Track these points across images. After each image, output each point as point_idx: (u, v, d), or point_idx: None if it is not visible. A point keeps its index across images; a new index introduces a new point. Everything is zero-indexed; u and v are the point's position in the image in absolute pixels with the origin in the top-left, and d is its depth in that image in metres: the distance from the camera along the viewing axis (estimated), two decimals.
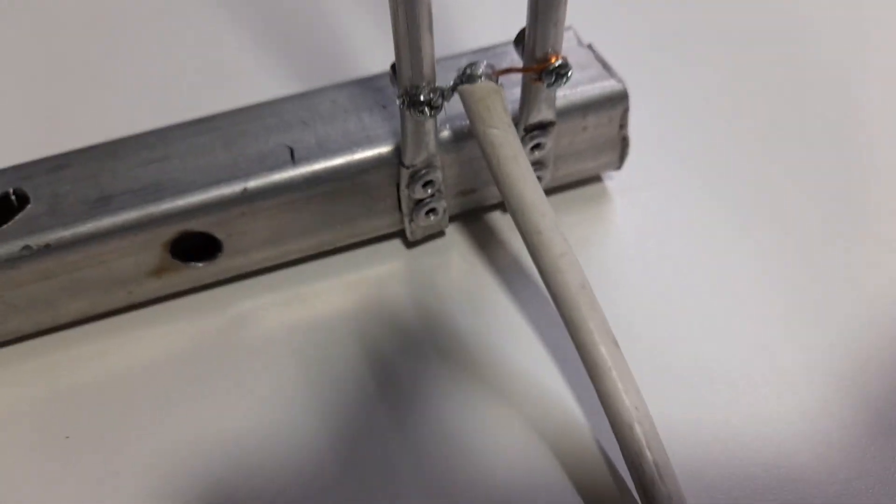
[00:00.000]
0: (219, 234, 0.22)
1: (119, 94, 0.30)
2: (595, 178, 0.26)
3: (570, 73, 0.20)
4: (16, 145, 0.28)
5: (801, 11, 0.32)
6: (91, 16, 0.33)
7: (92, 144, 0.23)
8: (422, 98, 0.19)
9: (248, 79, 0.30)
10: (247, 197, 0.21)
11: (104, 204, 0.21)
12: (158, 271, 0.23)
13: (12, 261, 0.21)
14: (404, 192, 0.22)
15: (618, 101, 0.23)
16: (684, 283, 0.24)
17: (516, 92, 0.22)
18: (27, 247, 0.21)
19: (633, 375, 0.19)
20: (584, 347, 0.19)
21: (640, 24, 0.31)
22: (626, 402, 0.19)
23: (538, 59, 0.20)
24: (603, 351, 0.19)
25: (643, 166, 0.26)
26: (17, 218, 0.21)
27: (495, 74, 0.20)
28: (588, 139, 0.24)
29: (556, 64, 0.20)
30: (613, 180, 0.26)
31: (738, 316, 0.23)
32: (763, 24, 0.31)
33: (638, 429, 0.18)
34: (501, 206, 0.26)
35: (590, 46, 0.24)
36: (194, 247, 0.23)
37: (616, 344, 0.19)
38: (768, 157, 0.27)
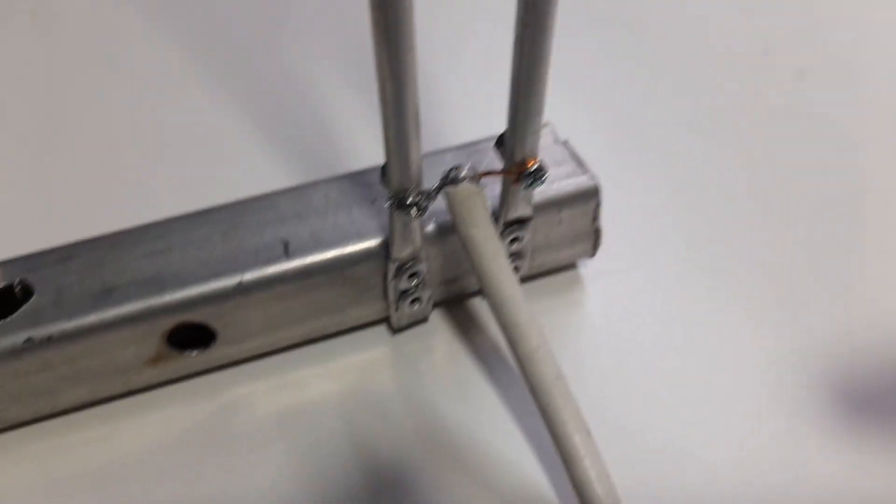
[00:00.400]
0: (215, 325, 0.23)
1: (123, 186, 0.31)
2: (570, 266, 0.28)
3: (545, 177, 0.22)
4: (23, 235, 0.29)
5: (753, 94, 0.34)
6: (93, 109, 0.35)
7: (96, 236, 0.24)
8: (409, 201, 0.21)
9: (245, 171, 0.31)
10: (242, 289, 0.23)
11: (107, 296, 0.22)
12: (155, 360, 0.23)
13: (16, 353, 0.22)
14: (391, 282, 0.24)
15: (591, 197, 0.25)
16: (655, 367, 0.25)
17: (496, 188, 0.24)
18: (30, 339, 0.22)
19: (605, 463, 0.20)
20: (558, 437, 0.21)
21: (613, 119, 0.33)
22: (598, 490, 0.20)
23: (517, 163, 0.22)
24: (577, 440, 0.20)
25: (615, 254, 0.28)
26: (21, 310, 0.22)
27: (477, 177, 0.22)
28: (563, 231, 0.25)
29: (533, 168, 0.22)
30: (587, 267, 0.28)
31: (708, 401, 0.24)
32: (726, 117, 0.33)
33: None
34: (482, 292, 0.27)
35: (565, 143, 0.26)
36: (190, 336, 0.24)
37: (589, 433, 0.21)
38: (732, 246, 0.28)
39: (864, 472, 0.22)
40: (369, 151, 0.31)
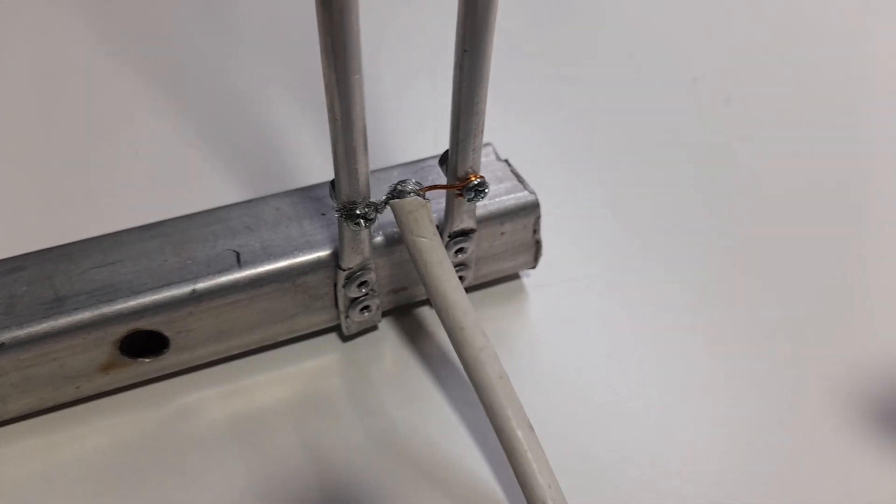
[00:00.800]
0: (167, 332, 0.24)
1: (70, 200, 0.32)
2: (513, 276, 0.29)
3: (487, 190, 0.23)
4: None
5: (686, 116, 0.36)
6: (42, 122, 0.35)
7: (46, 248, 0.24)
8: (357, 212, 0.22)
9: (196, 186, 0.32)
10: (195, 298, 0.23)
11: (59, 304, 0.23)
12: (107, 367, 0.24)
13: None
14: (341, 291, 0.25)
15: (531, 210, 0.26)
16: (594, 370, 0.26)
17: (441, 203, 0.25)
18: None
19: (546, 457, 0.22)
20: (502, 432, 0.22)
21: (550, 141, 0.35)
22: (540, 480, 0.21)
23: (459, 178, 0.23)
24: (519, 435, 0.22)
25: (556, 265, 0.29)
26: None
27: (423, 190, 0.23)
28: (505, 243, 0.27)
29: (476, 182, 0.23)
30: (530, 277, 0.29)
31: (644, 401, 0.26)
32: (659, 138, 0.35)
33: None
34: (429, 301, 0.28)
35: (506, 161, 0.27)
36: (142, 343, 0.24)
37: (531, 428, 0.22)
38: (663, 256, 0.30)
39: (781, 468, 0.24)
40: (317, 168, 0.32)
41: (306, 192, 0.26)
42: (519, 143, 0.31)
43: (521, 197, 0.26)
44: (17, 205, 0.31)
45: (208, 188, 0.32)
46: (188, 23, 0.41)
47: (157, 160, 0.33)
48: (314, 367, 0.26)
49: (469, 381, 0.23)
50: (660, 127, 0.36)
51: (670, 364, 0.27)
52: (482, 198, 0.23)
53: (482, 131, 0.22)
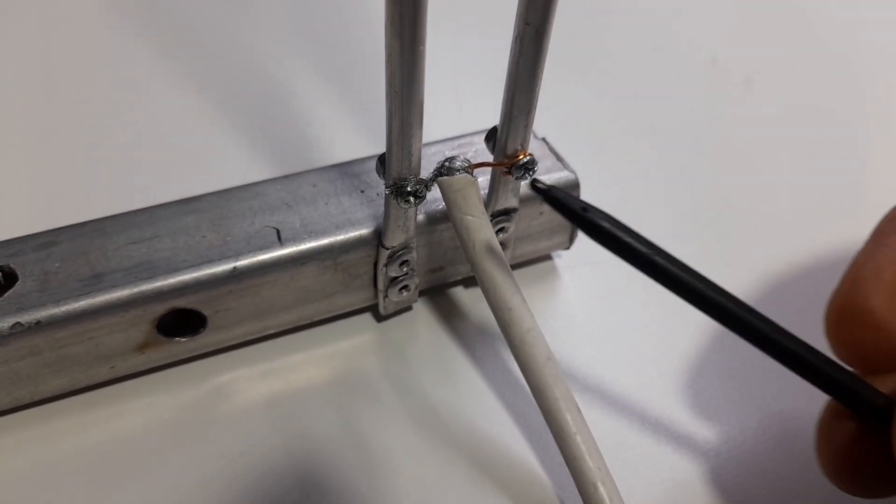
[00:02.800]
0: (205, 311, 0.23)
1: (104, 172, 0.31)
2: (546, 257, 0.29)
3: (536, 168, 0.23)
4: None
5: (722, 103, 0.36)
6: (78, 95, 0.34)
7: (79, 222, 0.24)
8: (409, 189, 0.21)
9: (230, 161, 0.31)
10: (236, 275, 0.23)
11: (96, 281, 0.22)
12: (143, 347, 0.23)
13: (1, 338, 0.21)
14: (382, 270, 0.24)
15: (571, 189, 0.26)
16: (627, 350, 0.26)
17: (484, 181, 0.24)
18: (18, 324, 0.21)
19: (595, 439, 0.21)
20: (550, 414, 0.22)
21: (580, 120, 0.35)
22: (590, 463, 0.21)
23: (508, 155, 0.23)
24: (568, 417, 0.21)
25: (585, 246, 0.29)
26: (6, 295, 0.22)
27: (471, 167, 0.23)
28: (543, 223, 0.27)
29: (525, 160, 0.23)
30: (561, 258, 0.29)
31: (682, 378, 0.26)
32: (683, 117, 0.35)
33: (601, 488, 0.21)
34: (464, 281, 0.28)
35: (544, 139, 0.27)
36: (177, 322, 0.24)
37: (579, 410, 0.22)
38: (692, 236, 0.30)
39: None
40: (340, 144, 0.32)
41: (343, 169, 0.26)
42: (549, 122, 0.30)
43: (562, 176, 0.26)
44: (46, 178, 0.30)
45: (241, 162, 0.31)
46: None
47: (188, 131, 0.32)
48: (350, 346, 0.26)
49: (508, 360, 0.23)
50: (681, 107, 0.36)
51: (704, 343, 0.27)
52: (531, 176, 0.23)
53: (535, 108, 0.22)
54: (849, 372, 0.19)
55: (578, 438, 0.21)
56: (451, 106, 0.34)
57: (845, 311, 0.19)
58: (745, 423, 0.25)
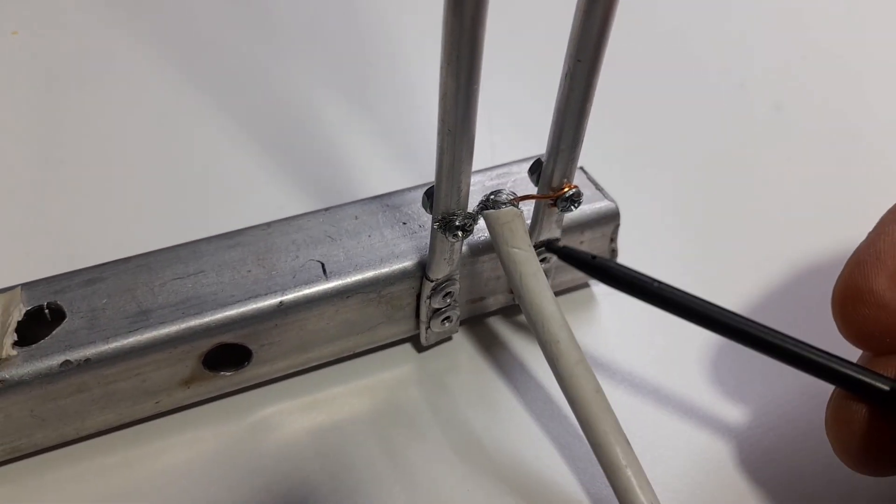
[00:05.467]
0: (251, 345, 0.23)
1: (146, 207, 0.31)
2: (584, 284, 0.29)
3: (581, 200, 0.23)
4: (41, 258, 0.28)
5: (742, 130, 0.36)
6: (119, 131, 0.34)
7: (123, 257, 0.24)
8: (457, 223, 0.21)
9: (265, 194, 0.31)
10: (282, 310, 0.23)
11: (144, 318, 0.22)
12: (189, 381, 0.23)
13: (51, 376, 0.21)
14: (425, 302, 0.24)
15: (611, 219, 0.26)
16: (667, 376, 0.26)
17: (526, 211, 0.24)
18: (67, 361, 0.21)
19: (646, 473, 0.21)
20: (600, 447, 0.22)
21: (604, 144, 0.35)
22: (642, 497, 0.21)
23: (553, 188, 0.23)
24: (618, 451, 0.21)
25: None
26: (54, 332, 0.22)
27: (516, 200, 0.23)
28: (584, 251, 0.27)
29: (570, 192, 0.23)
30: (599, 286, 0.29)
31: (721, 405, 0.25)
32: (718, 139, 0.35)
33: None
34: (502, 311, 0.28)
35: (582, 168, 0.27)
36: (223, 356, 0.24)
37: (628, 443, 0.22)
38: (729, 260, 0.30)
39: None
40: (378, 175, 0.32)
41: (384, 200, 0.26)
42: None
43: (603, 206, 0.26)
44: (88, 213, 0.31)
45: (267, 196, 0.31)
46: (236, 37, 0.40)
47: (227, 165, 0.33)
48: (391, 377, 0.26)
49: (556, 390, 0.23)
50: (711, 131, 0.36)
51: (742, 369, 0.27)
52: (576, 208, 0.23)
53: (582, 142, 0.22)
54: (853, 363, 0.20)
55: (629, 472, 0.21)
56: (483, 136, 0.34)
57: (849, 293, 0.21)
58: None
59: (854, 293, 0.21)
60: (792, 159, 0.35)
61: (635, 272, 0.22)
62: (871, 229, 0.22)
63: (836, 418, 0.21)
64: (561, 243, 0.25)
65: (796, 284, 0.29)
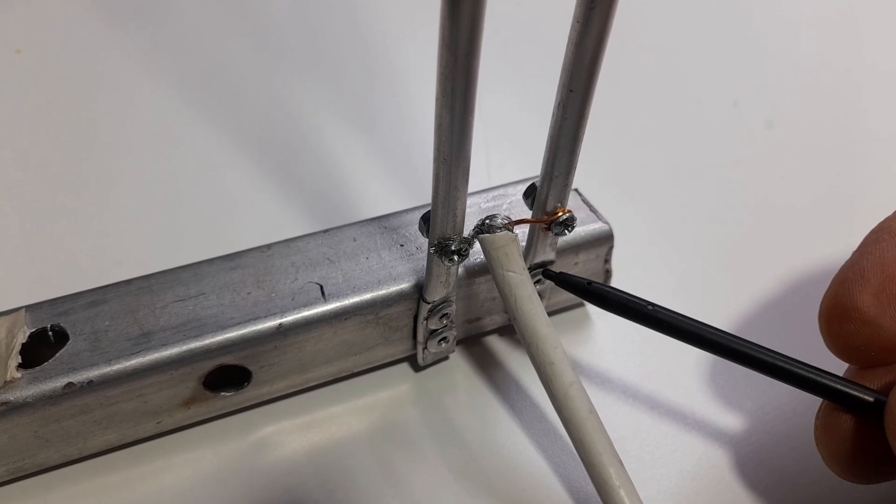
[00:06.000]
0: (250, 366, 0.24)
1: (146, 229, 0.31)
2: (579, 304, 0.29)
3: (575, 225, 0.23)
4: (44, 280, 0.29)
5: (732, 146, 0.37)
6: (118, 151, 0.35)
7: (125, 279, 0.24)
8: (453, 248, 0.22)
9: (265, 215, 0.32)
10: (282, 332, 0.23)
11: (146, 340, 0.22)
12: (189, 402, 0.24)
13: (54, 397, 0.22)
14: (422, 323, 0.25)
15: (605, 241, 0.27)
16: (661, 394, 0.27)
17: (521, 234, 0.25)
18: (70, 384, 0.22)
19: (638, 492, 0.22)
20: (593, 467, 0.22)
21: (597, 163, 0.35)
22: None
23: (548, 212, 0.23)
24: (611, 471, 0.22)
25: None
26: (58, 355, 0.22)
27: (511, 224, 0.23)
28: (578, 272, 0.27)
29: (564, 217, 0.23)
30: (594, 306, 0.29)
31: (716, 430, 0.26)
32: (711, 157, 0.36)
33: None
34: (498, 330, 0.28)
35: (577, 190, 0.28)
36: (223, 377, 0.24)
37: (621, 463, 0.22)
38: (722, 279, 0.30)
39: None
40: (375, 197, 0.33)
41: (381, 222, 0.26)
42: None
43: (597, 228, 0.26)
44: (89, 235, 0.31)
45: (268, 218, 0.32)
46: (239, 59, 0.40)
47: (217, 191, 0.33)
48: (389, 397, 0.26)
49: (551, 409, 0.23)
50: (704, 149, 0.36)
51: (739, 389, 0.27)
52: (570, 232, 0.23)
53: (575, 168, 0.22)
54: (839, 377, 0.21)
55: (622, 492, 0.21)
56: (479, 158, 0.35)
57: (835, 310, 0.21)
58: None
59: (839, 310, 0.21)
60: (784, 177, 0.35)
61: (630, 296, 0.23)
62: (856, 248, 0.23)
63: (824, 430, 0.22)
64: (555, 267, 0.26)
65: (789, 299, 0.30)
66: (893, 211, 0.23)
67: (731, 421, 0.26)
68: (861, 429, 0.21)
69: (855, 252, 0.22)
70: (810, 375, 0.21)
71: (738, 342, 0.22)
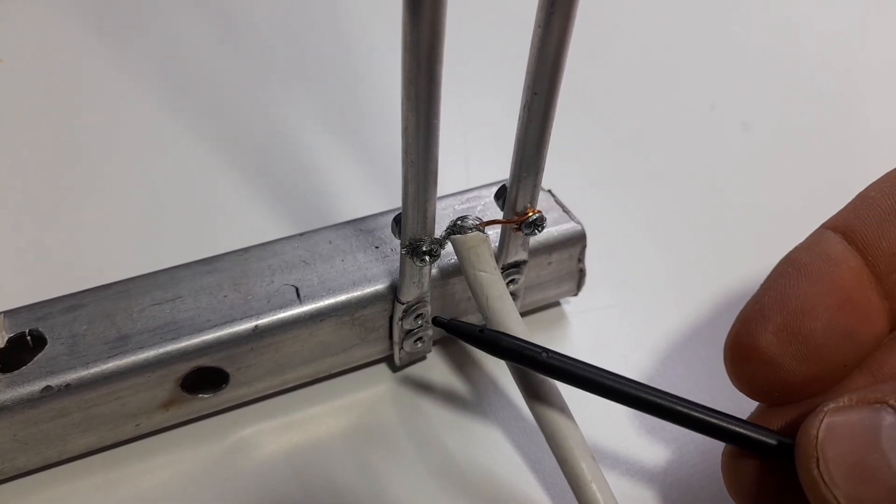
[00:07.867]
0: (228, 368, 0.24)
1: (125, 233, 0.32)
2: (555, 304, 0.30)
3: (545, 224, 0.24)
4: (21, 285, 0.29)
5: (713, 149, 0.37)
6: (97, 156, 0.35)
7: (103, 284, 0.24)
8: (424, 249, 0.22)
9: (244, 219, 0.32)
10: (258, 334, 0.24)
11: (123, 343, 0.23)
12: (167, 404, 0.24)
13: (33, 401, 0.22)
14: (397, 323, 0.25)
15: (577, 241, 0.27)
16: None
17: (494, 235, 0.25)
18: (48, 387, 0.22)
19: (610, 487, 0.22)
20: (566, 462, 0.22)
21: (573, 166, 0.36)
22: None
23: (518, 213, 0.24)
24: (584, 465, 0.22)
25: (595, 293, 0.30)
26: (36, 359, 0.22)
27: (482, 225, 0.23)
28: (552, 272, 0.27)
29: (535, 217, 0.23)
30: (570, 304, 0.30)
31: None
32: (683, 164, 0.36)
33: None
34: None
35: (550, 191, 0.28)
36: (201, 379, 0.24)
37: (594, 458, 0.22)
38: (697, 279, 0.31)
39: None
40: (353, 200, 0.33)
41: (357, 225, 0.27)
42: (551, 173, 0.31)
43: (569, 228, 0.27)
44: (67, 240, 0.31)
45: (252, 221, 0.32)
46: (217, 66, 0.41)
47: (201, 191, 0.33)
48: (366, 397, 0.27)
49: (527, 409, 0.24)
50: (681, 151, 0.37)
51: (712, 385, 0.27)
52: (539, 231, 0.24)
53: (543, 168, 0.23)
54: (742, 420, 0.21)
55: (594, 486, 0.22)
56: (458, 160, 0.35)
57: (736, 350, 0.21)
58: None
59: (741, 350, 0.21)
60: (761, 179, 0.36)
61: (524, 343, 0.22)
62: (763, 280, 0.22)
63: (728, 473, 0.21)
64: (530, 267, 0.26)
65: None
66: (805, 238, 0.22)
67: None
68: (763, 472, 0.20)
69: (760, 286, 0.22)
70: (710, 419, 0.20)
71: (636, 388, 0.21)
